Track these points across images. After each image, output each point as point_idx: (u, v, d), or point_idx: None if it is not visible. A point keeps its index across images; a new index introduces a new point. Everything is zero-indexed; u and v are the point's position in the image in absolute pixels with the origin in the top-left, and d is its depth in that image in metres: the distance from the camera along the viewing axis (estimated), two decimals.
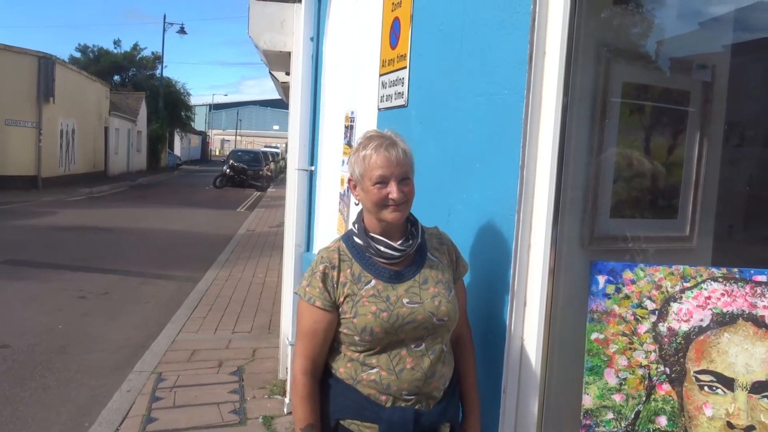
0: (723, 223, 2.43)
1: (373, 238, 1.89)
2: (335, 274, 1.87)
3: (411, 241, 1.90)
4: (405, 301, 1.85)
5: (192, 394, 4.65)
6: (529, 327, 2.05)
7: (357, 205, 1.94)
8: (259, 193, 25.93)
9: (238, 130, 75.69)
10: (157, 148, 42.08)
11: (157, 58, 45.59)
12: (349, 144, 3.50)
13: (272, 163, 34.80)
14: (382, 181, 1.81)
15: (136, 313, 7.07)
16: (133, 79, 44.70)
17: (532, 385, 2.05)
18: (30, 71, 22.13)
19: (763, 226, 2.69)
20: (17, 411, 4.37)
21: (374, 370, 1.84)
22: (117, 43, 45.59)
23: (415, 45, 2.62)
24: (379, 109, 2.99)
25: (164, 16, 58.31)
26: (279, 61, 5.32)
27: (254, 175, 28.08)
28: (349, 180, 1.92)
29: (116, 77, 43.90)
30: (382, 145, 1.83)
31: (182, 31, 42.02)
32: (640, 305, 2.02)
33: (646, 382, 2.00)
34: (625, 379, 2.01)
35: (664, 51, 2.22)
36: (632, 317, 2.03)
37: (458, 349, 2.07)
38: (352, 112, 3.45)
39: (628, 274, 2.05)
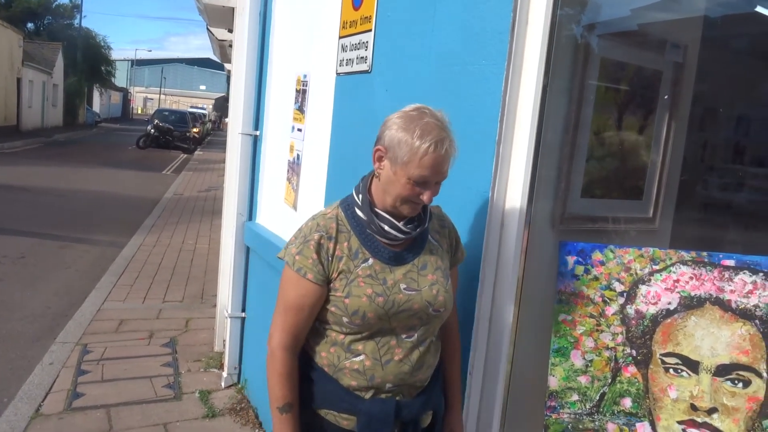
0: (683, 205, 2.44)
1: (377, 215, 1.70)
2: (331, 245, 1.69)
3: (417, 223, 1.73)
4: (402, 286, 1.69)
5: (121, 367, 4.41)
6: (498, 309, 1.99)
7: (378, 178, 1.69)
8: (185, 155, 25.03)
9: (162, 89, 72.73)
10: (74, 103, 39.77)
11: (75, 7, 43.02)
12: (300, 109, 3.33)
13: (200, 124, 33.61)
14: (422, 183, 1.60)
15: (56, 279, 6.65)
16: (49, 28, 41.91)
17: (498, 367, 2.01)
18: None
19: (715, 210, 2.74)
20: None
21: (359, 358, 1.70)
22: None
23: (382, 6, 2.46)
24: (337, 74, 2.83)
25: None
26: (220, 16, 5.01)
27: (181, 136, 27.02)
28: (378, 149, 1.65)
29: (30, 25, 41.01)
30: (442, 143, 1.56)
31: None
32: (608, 287, 2.00)
33: (612, 364, 1.99)
34: (591, 361, 2.00)
35: (641, 28, 2.17)
36: (600, 299, 2.00)
37: (445, 338, 1.93)
38: (305, 76, 3.27)
39: (597, 255, 2.02)
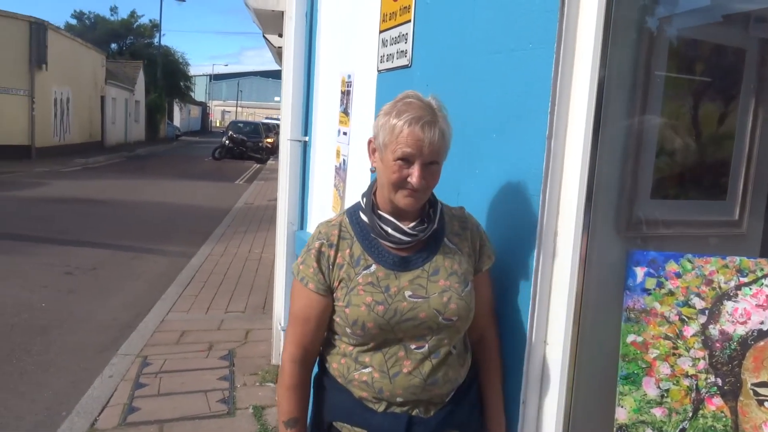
0: None
1: (380, 217, 1.62)
2: (332, 253, 1.63)
3: (425, 225, 1.62)
4: (407, 294, 1.58)
5: (178, 381, 4.37)
6: (554, 328, 1.73)
7: (373, 171, 1.67)
8: (258, 165, 25.62)
9: (238, 101, 74.98)
10: (155, 118, 41.54)
11: (155, 26, 44.86)
12: (345, 112, 3.15)
13: (273, 135, 34.33)
14: (406, 159, 1.52)
15: (124, 290, 6.77)
16: (131, 48, 43.98)
17: (556, 396, 1.74)
18: (21, 37, 21.62)
19: None
20: None
21: (366, 370, 1.62)
22: (114, 10, 44.97)
23: None
24: (378, 71, 2.63)
25: None
26: (272, 22, 4.93)
27: (254, 146, 27.74)
28: (369, 141, 1.65)
29: (113, 45, 43.20)
30: (418, 120, 1.51)
31: None
32: (686, 303, 1.70)
33: (693, 395, 1.69)
34: (667, 391, 1.70)
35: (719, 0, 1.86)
36: (677, 317, 1.71)
37: (480, 352, 1.79)
38: (349, 76, 3.09)
39: (672, 266, 1.73)
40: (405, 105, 1.56)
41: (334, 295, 1.63)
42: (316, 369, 1.79)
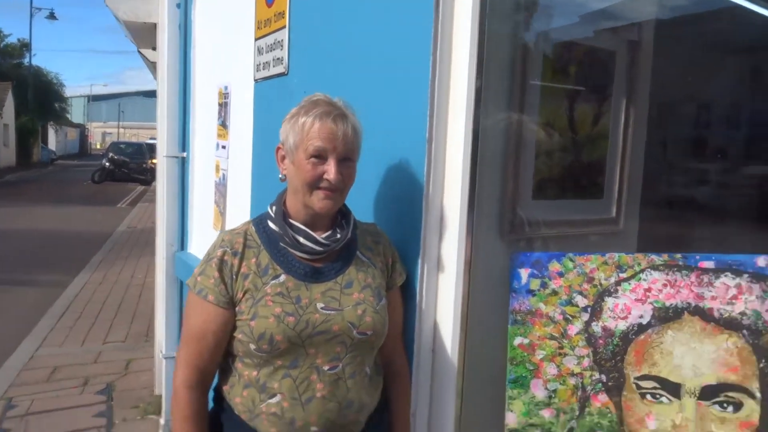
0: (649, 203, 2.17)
1: (291, 226, 1.52)
2: (236, 262, 1.50)
3: (338, 235, 1.54)
4: (319, 306, 1.48)
5: (47, 422, 3.96)
6: (441, 335, 1.68)
7: (283, 180, 1.58)
8: (143, 187, 24.44)
9: (120, 122, 71.52)
10: (28, 142, 38.66)
11: (25, 46, 41.87)
12: (223, 125, 3.00)
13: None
14: (320, 155, 1.45)
15: None
16: None
17: (446, 405, 1.68)
18: None
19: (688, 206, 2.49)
20: None
21: (275, 400, 1.46)
22: None
23: None
24: (255, 80, 2.51)
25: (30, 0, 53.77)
26: (145, 35, 4.68)
27: (137, 168, 26.50)
28: (278, 149, 1.56)
29: None
30: (329, 114, 1.46)
31: (52, 16, 38.98)
32: (570, 302, 1.71)
33: (579, 393, 1.69)
34: (554, 391, 1.69)
35: (590, 3, 1.91)
36: (561, 316, 1.71)
37: (389, 379, 1.67)
38: (226, 87, 2.94)
39: (555, 266, 1.73)
40: (312, 104, 1.49)
41: (237, 308, 1.49)
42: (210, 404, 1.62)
